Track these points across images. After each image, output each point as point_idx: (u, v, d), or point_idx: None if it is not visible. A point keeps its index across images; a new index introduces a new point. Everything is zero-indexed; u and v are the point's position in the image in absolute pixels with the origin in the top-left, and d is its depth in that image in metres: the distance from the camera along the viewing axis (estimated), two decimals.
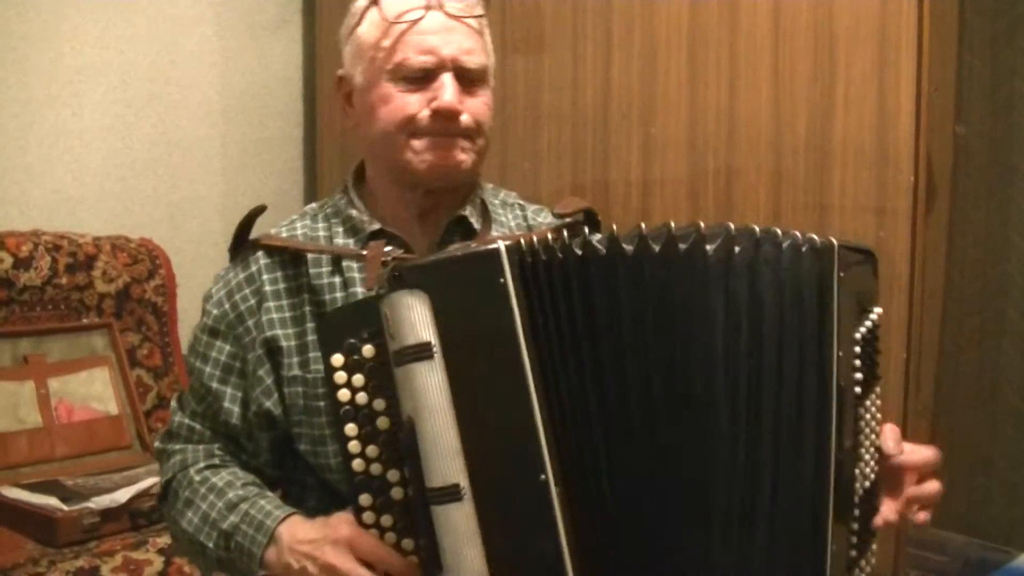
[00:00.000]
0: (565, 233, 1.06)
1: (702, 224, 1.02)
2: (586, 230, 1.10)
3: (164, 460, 1.33)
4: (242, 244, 1.31)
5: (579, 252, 1.03)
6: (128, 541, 2.02)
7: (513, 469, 1.01)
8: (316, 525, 1.13)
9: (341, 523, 1.10)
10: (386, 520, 1.08)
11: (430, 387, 1.01)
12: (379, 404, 1.07)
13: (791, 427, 1.03)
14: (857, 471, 1.09)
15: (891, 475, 1.14)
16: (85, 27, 2.69)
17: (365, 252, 1.24)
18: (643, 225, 1.04)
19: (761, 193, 2.04)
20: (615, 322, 1.02)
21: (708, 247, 1.01)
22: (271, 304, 1.26)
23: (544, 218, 1.38)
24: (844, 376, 1.05)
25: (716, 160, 2.10)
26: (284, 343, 1.25)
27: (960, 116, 2.09)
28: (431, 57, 1.22)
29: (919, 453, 1.15)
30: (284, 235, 1.31)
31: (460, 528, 1.00)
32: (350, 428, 1.07)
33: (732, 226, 1.03)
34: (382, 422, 1.07)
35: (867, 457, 1.12)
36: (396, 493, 1.07)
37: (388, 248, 1.24)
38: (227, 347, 1.29)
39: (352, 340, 1.07)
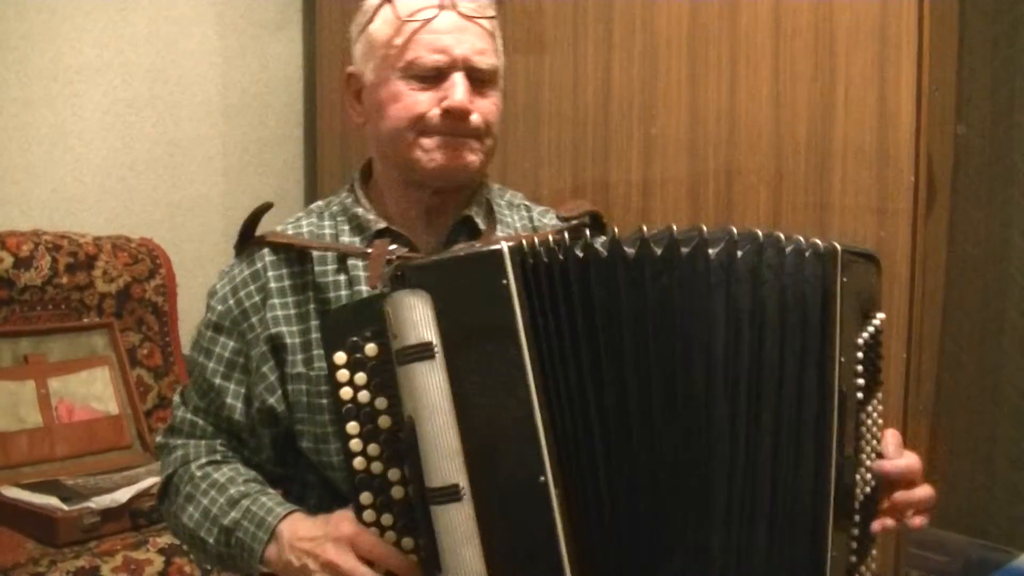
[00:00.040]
0: (566, 235, 1.06)
1: (704, 228, 1.03)
2: (587, 233, 1.10)
3: (165, 455, 1.33)
4: (248, 241, 1.30)
5: (580, 254, 1.03)
6: (128, 541, 2.02)
7: (513, 470, 1.01)
8: (317, 523, 1.13)
9: (343, 521, 1.10)
10: (386, 519, 1.08)
11: (431, 387, 1.01)
12: (381, 403, 1.07)
13: (791, 431, 1.03)
14: (858, 476, 1.09)
15: (891, 480, 1.14)
16: (86, 27, 2.69)
17: (370, 250, 1.25)
18: (645, 228, 1.04)
19: (761, 193, 2.04)
20: (615, 324, 1.02)
21: (710, 251, 1.01)
22: (276, 301, 1.26)
23: (550, 220, 1.38)
24: (846, 381, 1.05)
25: (716, 160, 2.10)
26: (288, 340, 1.25)
27: (961, 116, 2.09)
28: (443, 56, 1.22)
29: (897, 463, 1.15)
30: (290, 232, 1.31)
31: (459, 528, 1.00)
32: (352, 426, 1.07)
33: (735, 230, 1.03)
34: (383, 421, 1.07)
35: (868, 462, 1.12)
36: (396, 492, 1.07)
37: (393, 247, 1.24)
38: (231, 343, 1.29)
39: (355, 338, 1.07)
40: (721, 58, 2.08)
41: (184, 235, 2.91)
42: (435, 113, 1.22)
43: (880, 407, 1.15)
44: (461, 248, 1.13)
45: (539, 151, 2.41)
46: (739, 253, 1.02)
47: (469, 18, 1.23)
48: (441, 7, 1.22)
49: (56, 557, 1.92)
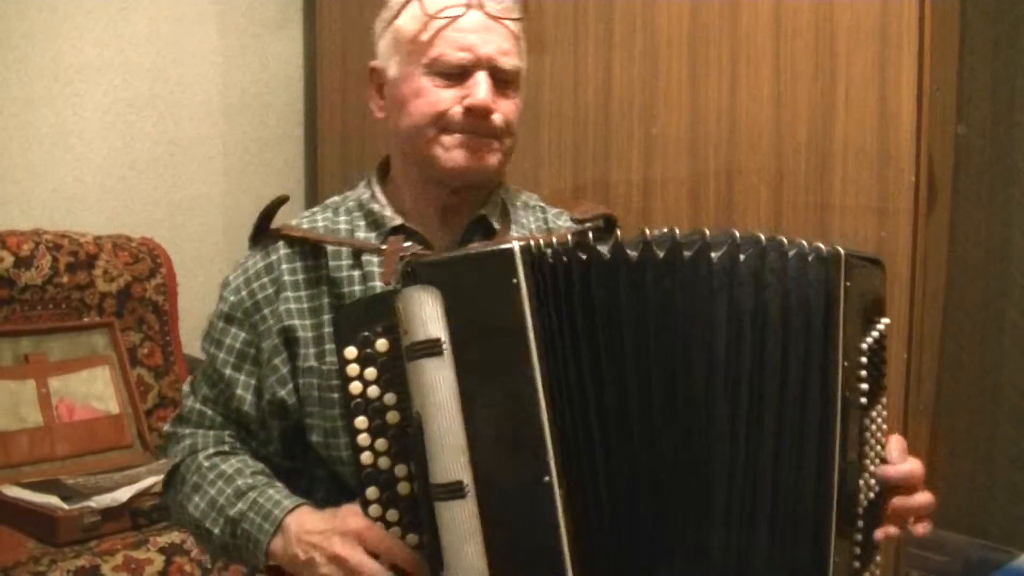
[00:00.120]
0: (569, 237, 1.06)
1: (707, 231, 1.03)
2: (591, 235, 1.10)
3: (173, 444, 1.33)
4: (263, 233, 1.30)
5: (583, 256, 1.03)
6: (129, 540, 2.02)
7: (517, 469, 1.01)
8: (325, 516, 1.14)
9: (350, 515, 1.10)
10: (392, 514, 1.08)
11: (438, 383, 1.01)
12: (390, 398, 1.07)
13: (794, 433, 1.03)
14: (862, 482, 1.09)
15: (894, 487, 1.14)
16: (87, 26, 2.69)
17: (384, 247, 1.25)
18: (648, 231, 1.04)
19: (762, 193, 2.04)
20: (618, 326, 1.03)
21: (713, 254, 1.02)
22: (289, 294, 1.27)
23: (564, 222, 1.38)
24: (849, 386, 1.05)
25: (717, 160, 2.10)
26: (301, 334, 1.25)
27: (961, 116, 2.09)
28: (468, 54, 1.22)
29: (899, 468, 1.14)
30: (305, 226, 1.32)
31: (462, 525, 1.00)
32: (360, 421, 1.07)
33: (737, 233, 1.03)
34: (392, 416, 1.07)
35: (872, 468, 1.12)
36: (403, 488, 1.07)
37: (407, 244, 1.24)
38: (242, 334, 1.29)
39: (366, 333, 1.07)
40: (722, 58, 2.08)
41: (185, 234, 2.91)
42: (457, 111, 1.23)
43: (884, 412, 1.15)
44: (473, 246, 1.13)
45: (539, 151, 2.41)
46: (742, 257, 1.02)
47: (495, 18, 1.24)
48: (468, 6, 1.23)
49: (56, 556, 1.92)
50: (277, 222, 1.30)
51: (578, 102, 2.34)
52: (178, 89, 2.89)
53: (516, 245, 1.02)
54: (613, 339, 1.03)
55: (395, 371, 1.06)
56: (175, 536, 2.05)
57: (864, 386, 1.08)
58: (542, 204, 1.41)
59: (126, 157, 2.80)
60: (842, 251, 1.05)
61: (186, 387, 1.35)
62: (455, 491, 1.00)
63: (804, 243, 1.05)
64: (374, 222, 1.30)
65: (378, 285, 1.24)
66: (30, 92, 2.60)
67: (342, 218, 1.32)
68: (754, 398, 1.02)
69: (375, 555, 1.07)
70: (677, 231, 1.03)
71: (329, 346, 1.23)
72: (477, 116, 1.22)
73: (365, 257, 1.26)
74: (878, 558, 1.14)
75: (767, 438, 1.02)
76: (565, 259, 1.03)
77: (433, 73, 1.23)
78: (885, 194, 1.87)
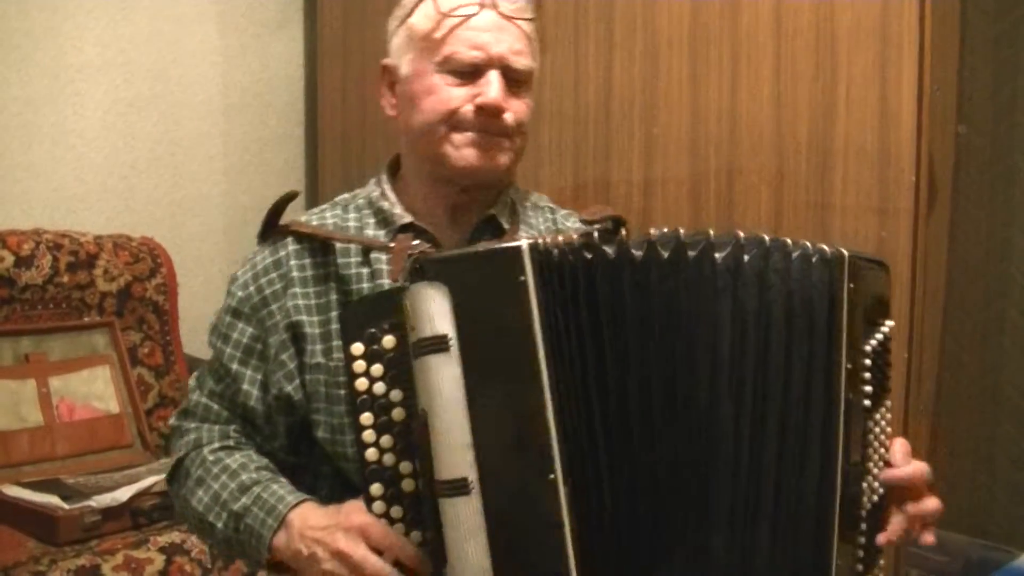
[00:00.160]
0: (576, 237, 1.06)
1: (711, 232, 1.03)
2: (597, 236, 1.10)
3: (178, 437, 1.33)
4: (272, 229, 1.30)
5: (588, 256, 1.03)
6: (129, 540, 2.02)
7: (522, 466, 1.01)
8: (329, 512, 1.14)
9: (354, 511, 1.10)
10: (395, 511, 1.08)
11: (445, 379, 1.01)
12: (396, 395, 1.07)
13: (797, 434, 1.03)
14: (865, 485, 1.09)
15: (898, 491, 1.14)
16: (87, 26, 2.69)
17: (393, 244, 1.25)
18: (653, 230, 1.04)
19: (763, 193, 2.03)
20: (621, 325, 1.03)
21: (717, 255, 1.02)
22: (297, 290, 1.27)
23: (573, 223, 1.39)
24: (853, 388, 1.05)
25: (718, 160, 2.10)
26: (308, 330, 1.25)
27: (962, 116, 2.08)
28: (481, 53, 1.23)
29: (903, 470, 1.14)
30: (314, 223, 1.32)
31: (466, 522, 1.01)
32: (366, 417, 1.08)
33: (741, 234, 1.03)
34: (397, 413, 1.07)
35: (875, 471, 1.11)
36: (407, 485, 1.07)
37: (416, 242, 1.24)
38: (249, 329, 1.29)
39: (373, 330, 1.07)
40: (722, 58, 2.08)
41: (185, 234, 2.91)
42: (468, 109, 1.23)
43: (888, 415, 1.15)
44: (481, 244, 1.14)
45: (540, 150, 2.41)
46: (746, 257, 1.02)
47: (509, 18, 1.25)
48: (482, 5, 1.23)
49: (57, 556, 1.92)
50: (285, 218, 1.31)
51: (579, 101, 2.34)
52: (179, 89, 2.89)
53: (525, 243, 1.02)
54: (618, 338, 1.03)
55: (401, 368, 1.06)
56: (175, 536, 2.05)
57: (868, 388, 1.08)
58: (551, 205, 1.41)
59: (127, 157, 2.80)
60: (845, 253, 1.05)
61: (192, 381, 1.36)
62: (460, 487, 1.00)
63: (808, 244, 1.05)
64: (383, 220, 1.30)
65: (386, 283, 1.24)
66: (31, 91, 2.60)
67: (351, 215, 1.32)
68: (758, 398, 1.02)
69: (378, 551, 1.07)
70: (682, 231, 1.03)
71: (336, 343, 1.23)
72: (488, 115, 1.23)
73: (374, 255, 1.26)
74: (881, 562, 1.14)
75: (770, 439, 1.02)
76: (571, 258, 1.04)
77: (445, 71, 1.23)
78: (885, 194, 1.87)
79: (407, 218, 1.29)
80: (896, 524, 1.13)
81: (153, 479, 2.12)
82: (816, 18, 1.95)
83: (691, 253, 1.02)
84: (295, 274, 1.27)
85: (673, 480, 1.03)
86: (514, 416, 1.01)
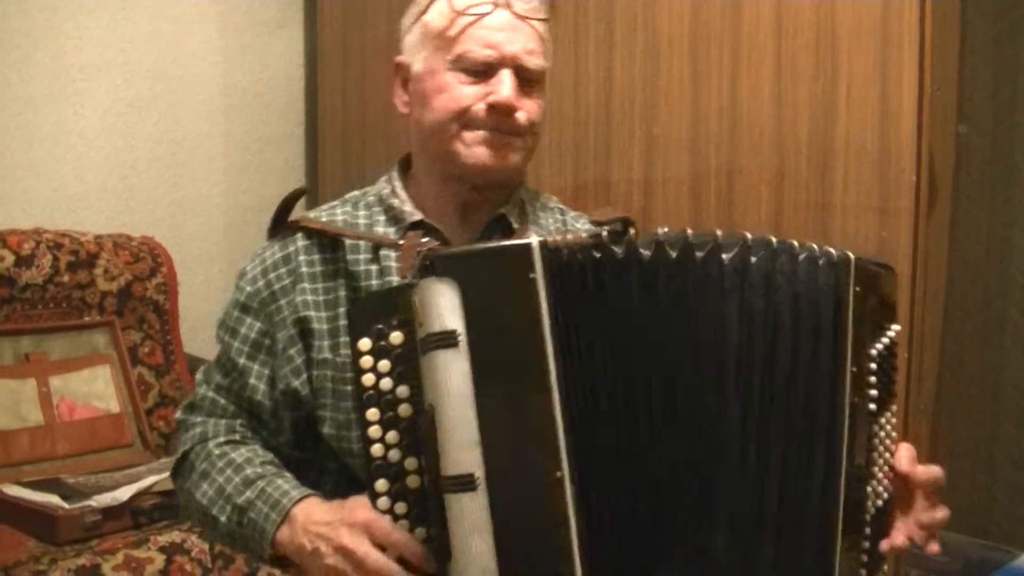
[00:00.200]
0: (585, 236, 1.07)
1: (719, 232, 1.03)
2: (606, 235, 1.10)
3: (183, 431, 1.33)
4: (282, 225, 1.31)
5: (597, 255, 1.04)
6: (129, 539, 2.02)
7: (529, 463, 1.01)
8: (333, 507, 1.14)
9: (358, 507, 1.10)
10: (400, 507, 1.08)
11: (453, 375, 1.01)
12: (403, 391, 1.07)
13: (801, 437, 1.03)
14: (869, 489, 1.09)
15: (903, 497, 1.14)
16: (88, 25, 2.69)
17: (402, 242, 1.25)
18: (660, 230, 1.05)
19: (763, 192, 2.03)
20: (628, 324, 1.03)
21: (724, 256, 1.02)
22: (306, 285, 1.27)
23: (582, 225, 1.39)
24: (858, 392, 1.05)
25: (718, 159, 2.10)
26: (316, 325, 1.25)
27: (962, 115, 2.08)
28: (494, 52, 1.23)
29: (926, 472, 1.15)
30: (324, 219, 1.32)
31: (471, 518, 1.01)
32: (372, 413, 1.08)
33: (749, 235, 1.03)
34: (404, 409, 1.07)
35: (880, 476, 1.11)
36: (412, 481, 1.07)
37: (425, 239, 1.24)
38: (257, 324, 1.29)
39: (381, 326, 1.07)
40: (723, 57, 2.08)
41: (185, 234, 2.92)
42: (480, 108, 1.23)
43: (893, 420, 1.15)
44: (492, 241, 1.15)
45: (540, 150, 2.37)
46: (753, 259, 1.03)
47: (523, 18, 1.25)
48: (496, 4, 1.24)
49: (57, 555, 1.92)
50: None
51: (579, 101, 2.34)
52: (179, 88, 2.89)
53: (535, 241, 1.02)
54: (625, 337, 1.03)
55: (409, 364, 1.06)
56: (176, 535, 2.05)
57: (873, 392, 1.09)
58: (561, 206, 1.42)
59: (127, 156, 2.80)
60: (852, 256, 1.05)
61: (199, 375, 1.36)
62: (466, 483, 1.00)
63: (815, 247, 1.05)
64: (393, 217, 1.30)
65: (395, 280, 1.24)
66: (31, 91, 2.60)
67: (361, 212, 1.33)
68: (764, 400, 1.02)
69: (382, 547, 1.07)
70: (689, 232, 1.04)
71: (344, 339, 1.23)
72: (500, 114, 1.23)
73: (383, 252, 1.27)
74: (885, 567, 1.14)
75: (775, 440, 1.02)
76: (580, 257, 1.04)
77: (458, 69, 1.24)
78: (886, 193, 1.87)
79: (417, 216, 1.29)
80: (901, 532, 1.13)
81: (153, 479, 2.12)
82: (817, 17, 1.95)
83: (699, 254, 1.03)
84: (304, 269, 1.27)
85: (678, 480, 1.03)
86: (522, 412, 1.01)
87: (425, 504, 1.06)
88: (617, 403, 1.03)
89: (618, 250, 1.04)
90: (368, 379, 1.08)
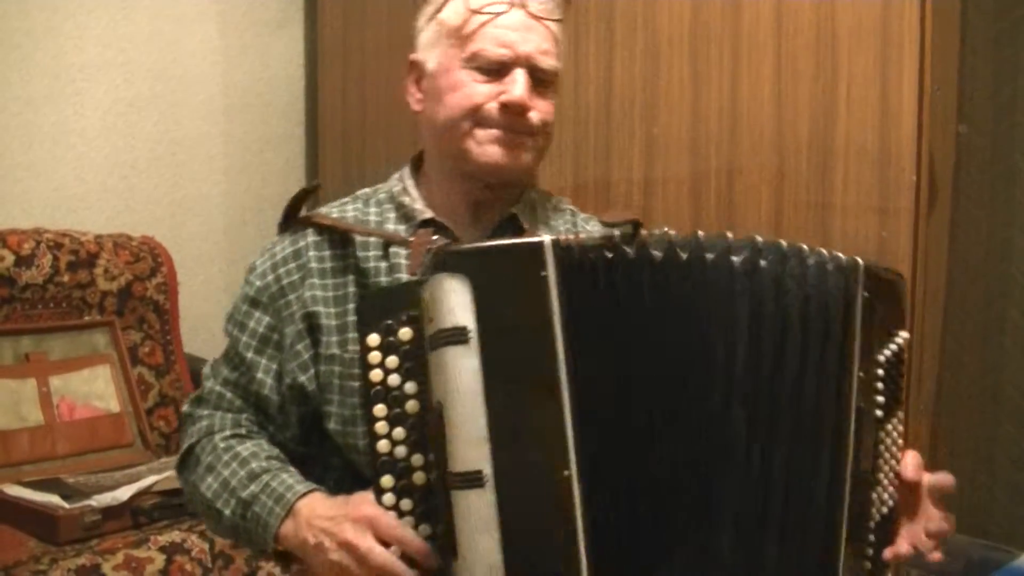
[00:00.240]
0: (597, 236, 1.07)
1: (730, 234, 1.04)
2: (617, 235, 1.10)
3: (190, 424, 1.34)
4: (293, 219, 1.31)
5: (609, 255, 1.04)
6: (129, 539, 2.02)
7: (538, 461, 1.01)
8: (337, 502, 1.14)
9: (363, 502, 1.10)
10: (405, 504, 1.08)
11: (463, 371, 1.01)
12: (410, 387, 1.07)
13: (807, 440, 1.03)
14: (874, 495, 1.09)
15: (908, 505, 1.14)
16: (88, 25, 2.69)
17: (412, 239, 1.25)
18: (671, 232, 1.06)
19: (763, 192, 2.03)
20: (638, 324, 1.03)
21: (734, 258, 1.03)
22: (316, 281, 1.27)
23: (593, 226, 1.39)
24: (865, 397, 1.06)
25: (718, 159, 2.10)
26: (324, 321, 1.26)
27: (962, 115, 2.08)
28: (508, 51, 1.23)
29: (937, 479, 1.15)
30: (334, 215, 1.32)
31: (478, 515, 1.01)
32: (379, 409, 1.07)
33: (759, 238, 1.04)
34: (411, 405, 1.07)
35: (885, 482, 1.12)
36: (418, 478, 1.07)
37: (435, 237, 1.25)
38: (266, 318, 1.29)
39: (389, 321, 1.07)
40: (723, 57, 2.08)
41: (185, 233, 2.92)
42: (493, 106, 1.24)
43: (900, 427, 1.14)
44: (504, 239, 1.15)
45: None
46: (763, 262, 1.03)
47: (537, 18, 1.25)
48: (511, 4, 1.24)
49: (57, 555, 1.92)
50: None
51: (579, 101, 2.34)
52: (179, 88, 2.89)
53: (547, 239, 1.03)
54: (635, 337, 1.03)
55: (417, 360, 1.06)
56: (176, 535, 2.05)
57: (880, 398, 1.09)
58: (572, 208, 1.42)
59: (127, 156, 2.80)
60: (860, 261, 1.05)
61: (207, 369, 1.36)
62: (474, 480, 1.00)
63: (824, 251, 1.06)
64: (404, 215, 1.30)
65: (404, 277, 1.24)
66: (32, 91, 2.60)
67: (372, 209, 1.33)
68: (772, 402, 1.03)
69: (386, 543, 1.07)
70: (701, 234, 1.04)
71: (352, 335, 1.23)
72: (513, 113, 1.24)
73: (393, 249, 1.27)
74: (889, 574, 1.14)
75: (781, 442, 1.03)
76: (592, 256, 1.04)
77: (472, 67, 1.24)
78: (886, 193, 1.87)
79: (428, 213, 1.29)
80: (905, 540, 1.13)
81: (153, 478, 2.12)
82: (817, 17, 1.95)
83: (709, 256, 1.03)
84: (314, 265, 1.28)
85: (683, 480, 1.03)
86: (531, 410, 1.02)
87: (431, 501, 1.06)
88: (627, 402, 1.03)
89: (629, 250, 1.04)
90: (376, 375, 1.07)
